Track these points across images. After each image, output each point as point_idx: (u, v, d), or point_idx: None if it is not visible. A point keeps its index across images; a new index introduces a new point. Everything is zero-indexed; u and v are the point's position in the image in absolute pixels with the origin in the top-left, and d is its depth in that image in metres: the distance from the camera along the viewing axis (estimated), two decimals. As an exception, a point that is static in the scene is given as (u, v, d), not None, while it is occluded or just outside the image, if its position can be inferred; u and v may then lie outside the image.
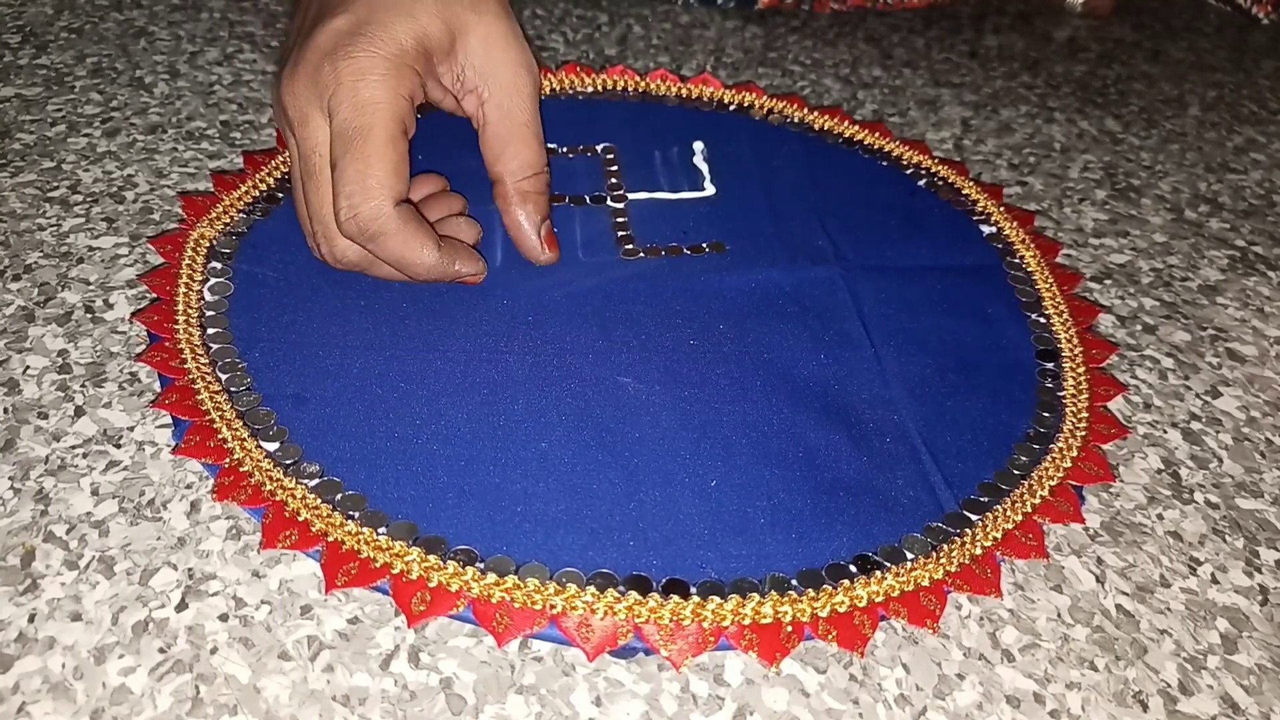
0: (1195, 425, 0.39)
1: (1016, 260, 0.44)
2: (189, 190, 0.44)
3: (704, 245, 0.43)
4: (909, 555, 0.31)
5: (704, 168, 0.47)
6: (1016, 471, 0.35)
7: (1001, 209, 0.47)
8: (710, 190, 0.46)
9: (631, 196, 0.45)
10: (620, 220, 0.44)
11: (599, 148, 0.47)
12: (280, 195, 0.43)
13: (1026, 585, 0.32)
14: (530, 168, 0.39)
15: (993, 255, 0.45)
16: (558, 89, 0.51)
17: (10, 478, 0.31)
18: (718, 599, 0.29)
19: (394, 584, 0.29)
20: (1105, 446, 0.36)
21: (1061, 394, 0.38)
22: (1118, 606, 0.31)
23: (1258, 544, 0.34)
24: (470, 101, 0.39)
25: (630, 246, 0.43)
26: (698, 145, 0.48)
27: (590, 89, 0.51)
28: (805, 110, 0.51)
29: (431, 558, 0.29)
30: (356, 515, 0.30)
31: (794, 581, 0.30)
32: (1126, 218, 0.50)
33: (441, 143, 0.44)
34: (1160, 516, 0.35)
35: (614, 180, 0.46)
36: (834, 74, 0.59)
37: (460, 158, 0.43)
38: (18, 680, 0.26)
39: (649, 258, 0.42)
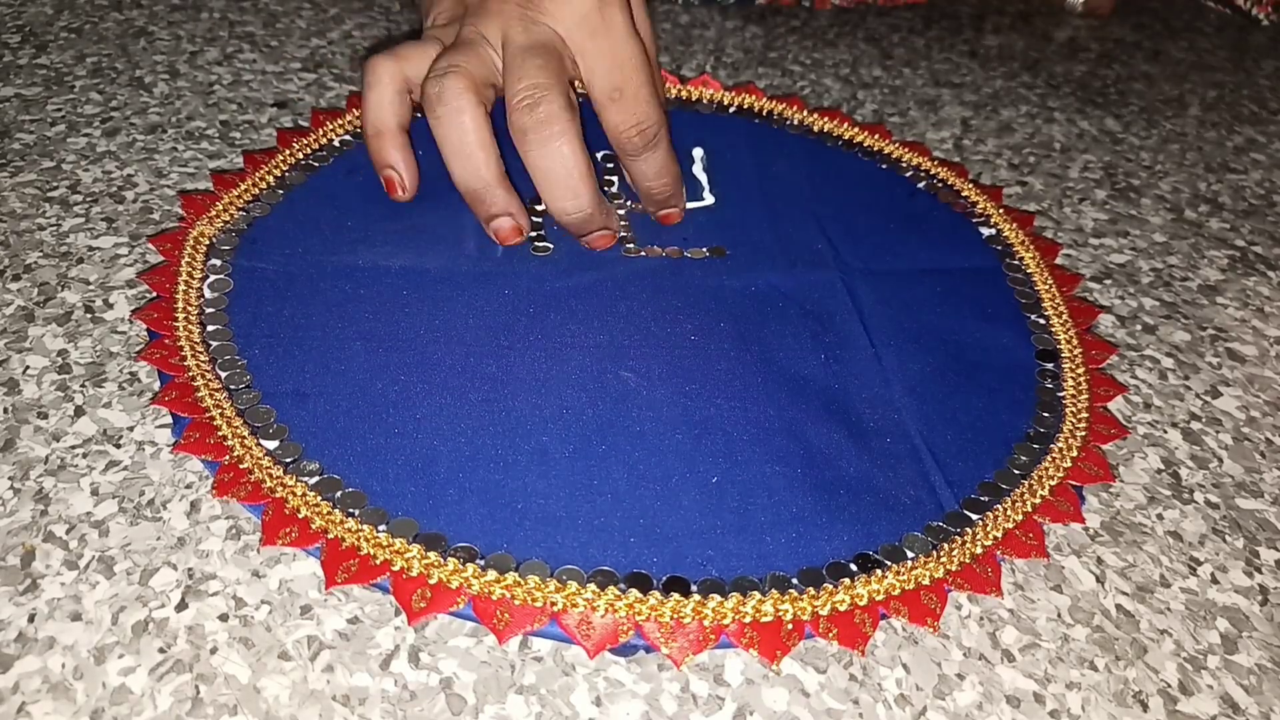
0: (1195, 425, 0.39)
1: (1016, 262, 0.44)
2: (189, 190, 0.44)
3: (704, 249, 0.43)
4: (909, 554, 0.31)
5: (703, 178, 0.47)
6: (1017, 471, 0.35)
7: (1001, 210, 0.47)
8: (709, 200, 0.46)
9: (631, 204, 0.45)
10: (621, 224, 0.44)
11: (599, 156, 0.47)
12: (280, 191, 0.43)
13: (1026, 585, 0.32)
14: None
15: (992, 257, 0.45)
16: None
17: (10, 478, 0.31)
18: (718, 597, 0.29)
19: (394, 581, 0.29)
20: (1105, 446, 0.36)
21: (1061, 394, 0.38)
22: (1118, 606, 0.31)
23: (1258, 544, 0.34)
24: None
25: (631, 246, 0.43)
26: (697, 153, 0.48)
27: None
28: (805, 112, 0.51)
29: (431, 555, 0.29)
30: (356, 512, 0.30)
31: (795, 580, 0.30)
32: (1126, 218, 0.50)
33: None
34: (1160, 516, 0.35)
35: (613, 189, 0.46)
36: (834, 74, 0.59)
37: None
38: (18, 680, 0.26)
39: (649, 257, 0.42)
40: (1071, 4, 0.71)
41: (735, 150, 0.49)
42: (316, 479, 0.31)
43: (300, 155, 0.45)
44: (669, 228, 0.44)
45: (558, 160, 0.38)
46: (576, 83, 0.41)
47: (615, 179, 0.46)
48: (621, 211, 0.45)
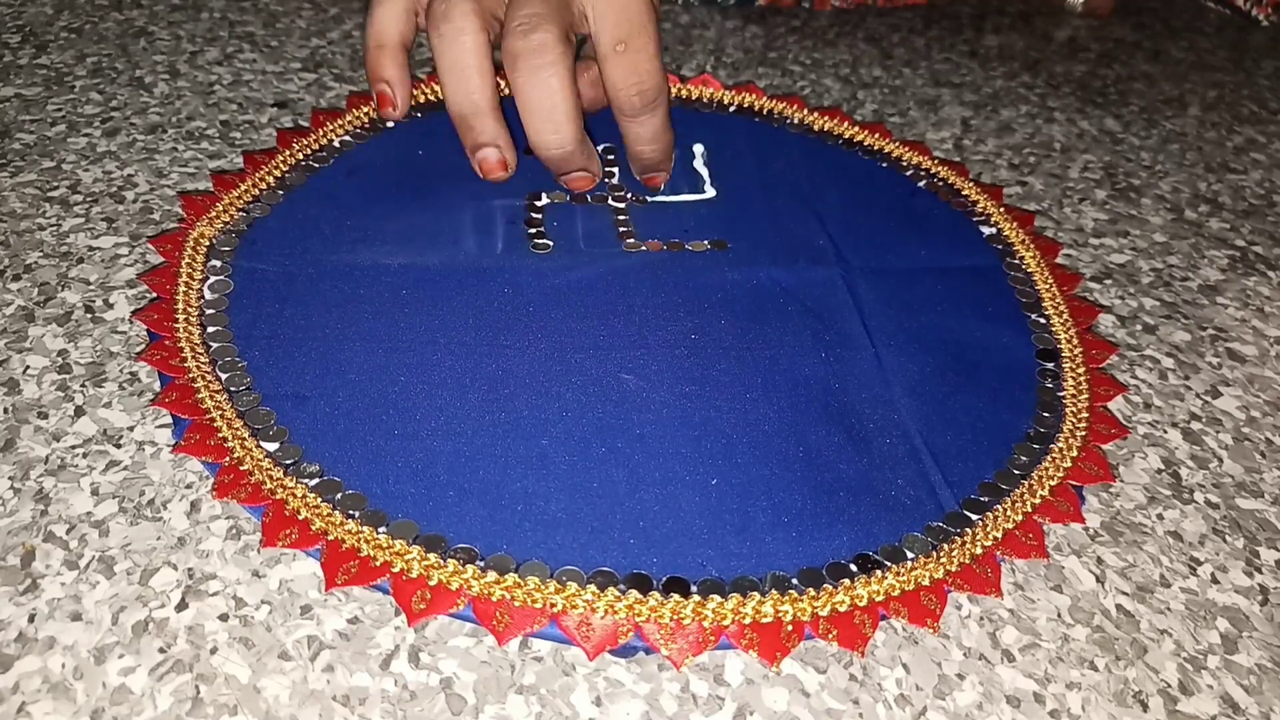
0: (1195, 425, 0.39)
1: (1016, 261, 0.44)
2: (189, 190, 0.44)
3: (705, 242, 0.43)
4: (909, 554, 0.31)
5: (704, 171, 0.47)
6: (1017, 471, 0.35)
7: (1001, 209, 0.47)
8: (711, 193, 0.46)
9: (632, 196, 0.45)
10: (621, 218, 0.44)
11: (599, 149, 0.47)
12: (280, 192, 0.43)
13: (1026, 585, 0.32)
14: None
15: (992, 256, 0.45)
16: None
17: (10, 478, 0.31)
18: (718, 598, 0.29)
19: (394, 582, 0.29)
20: (1105, 446, 0.36)
21: (1061, 394, 0.38)
22: (1118, 606, 0.31)
23: (1258, 544, 0.34)
24: None
25: (631, 240, 0.43)
26: (698, 148, 0.48)
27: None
28: (805, 111, 0.51)
29: (431, 556, 0.29)
30: (356, 514, 0.30)
31: (794, 580, 0.30)
32: (1126, 218, 0.50)
33: (441, 142, 0.44)
34: (1160, 516, 0.35)
35: (614, 181, 0.46)
36: (834, 74, 0.59)
37: (459, 157, 0.43)
38: (18, 680, 0.26)
39: (650, 251, 0.42)
40: (1071, 4, 0.71)
41: (736, 149, 0.49)
42: (317, 481, 0.31)
43: (300, 155, 0.45)
44: (669, 221, 0.44)
45: (544, 90, 0.38)
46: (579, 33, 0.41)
47: (615, 170, 0.46)
48: (621, 205, 0.45)
